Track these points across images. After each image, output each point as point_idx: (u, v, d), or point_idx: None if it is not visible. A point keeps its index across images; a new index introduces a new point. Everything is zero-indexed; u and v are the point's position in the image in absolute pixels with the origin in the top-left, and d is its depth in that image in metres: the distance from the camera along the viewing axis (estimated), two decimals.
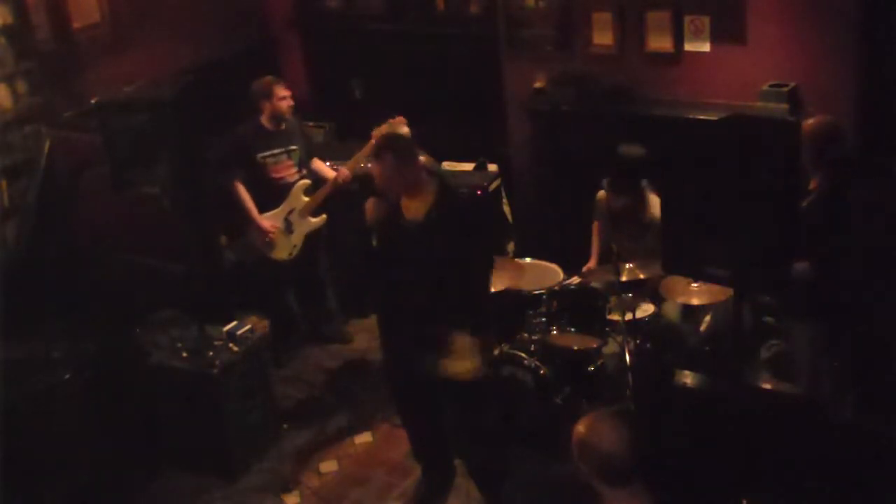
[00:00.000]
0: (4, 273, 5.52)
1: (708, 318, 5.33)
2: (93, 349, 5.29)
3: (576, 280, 5.51)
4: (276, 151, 6.00)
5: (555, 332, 5.24)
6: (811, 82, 5.63)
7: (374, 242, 4.70)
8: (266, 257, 6.11)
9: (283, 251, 6.12)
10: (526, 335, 5.33)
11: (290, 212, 6.09)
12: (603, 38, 6.27)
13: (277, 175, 6.04)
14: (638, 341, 5.13)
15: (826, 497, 3.98)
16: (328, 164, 6.35)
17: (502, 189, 6.78)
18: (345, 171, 6.01)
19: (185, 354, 5.31)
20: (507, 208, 6.83)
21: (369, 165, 4.56)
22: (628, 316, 5.05)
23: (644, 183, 5.43)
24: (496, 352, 5.22)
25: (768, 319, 5.49)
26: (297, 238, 6.14)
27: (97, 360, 5.24)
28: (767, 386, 5.20)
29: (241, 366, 5.33)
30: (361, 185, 5.81)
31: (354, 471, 5.39)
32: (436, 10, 7.20)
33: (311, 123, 7.36)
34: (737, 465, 3.99)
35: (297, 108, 6.20)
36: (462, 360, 4.46)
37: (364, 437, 5.63)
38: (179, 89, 5.08)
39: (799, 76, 5.67)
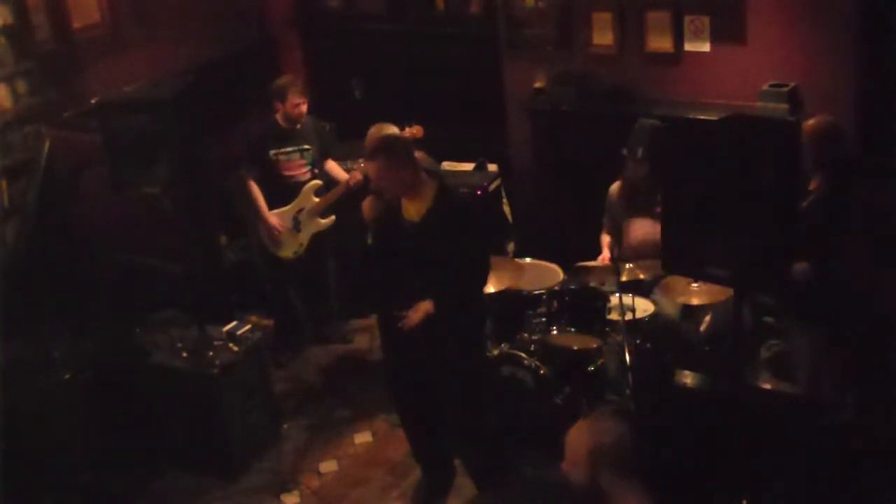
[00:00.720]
0: (4, 273, 5.51)
1: (708, 318, 5.33)
2: (93, 349, 5.29)
3: (589, 263, 5.50)
4: (289, 149, 6.02)
5: (555, 332, 5.24)
6: (811, 82, 5.63)
7: (370, 240, 4.71)
8: (271, 254, 6.12)
9: (289, 249, 6.13)
10: (526, 335, 5.33)
11: (300, 211, 6.10)
12: (603, 38, 6.27)
13: (289, 173, 6.05)
14: (638, 341, 5.13)
15: (826, 497, 3.99)
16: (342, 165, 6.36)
17: (502, 189, 6.78)
18: (357, 175, 6.01)
19: (185, 354, 5.31)
20: (507, 208, 6.83)
21: (363, 165, 4.57)
22: (628, 316, 5.05)
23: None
24: (496, 352, 5.23)
25: (768, 319, 5.49)
26: (304, 237, 6.15)
27: (97, 360, 5.24)
28: (767, 386, 5.19)
29: (241, 366, 5.33)
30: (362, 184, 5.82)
31: (354, 471, 5.39)
32: (436, 10, 7.19)
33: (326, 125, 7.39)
34: (737, 465, 3.99)
35: (311, 110, 6.20)
36: None
37: (364, 437, 5.63)
38: (179, 89, 5.09)
39: (799, 76, 5.67)
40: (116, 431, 5.22)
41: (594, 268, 5.47)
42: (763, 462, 4.03)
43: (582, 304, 5.26)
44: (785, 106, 5.60)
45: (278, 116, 6.01)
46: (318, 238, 6.21)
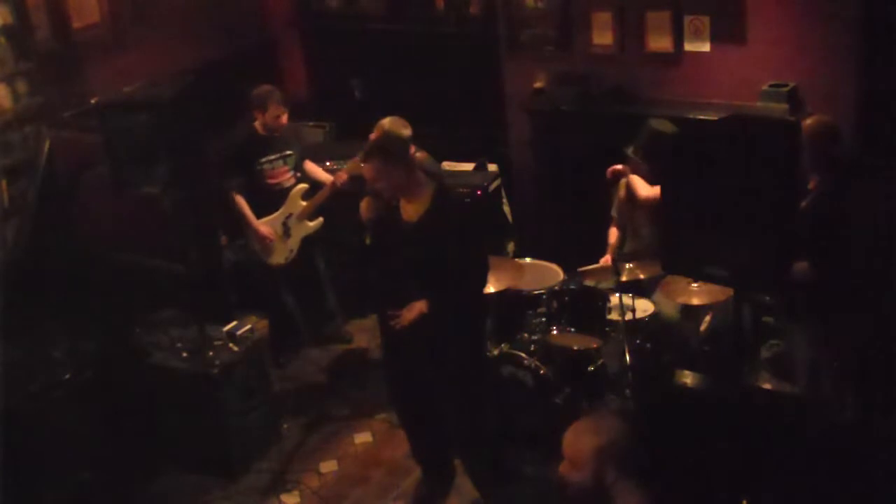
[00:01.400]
0: (4, 273, 5.51)
1: (708, 318, 5.33)
2: (93, 349, 5.29)
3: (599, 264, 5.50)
4: (272, 157, 5.99)
5: (555, 332, 5.24)
6: (811, 82, 5.63)
7: (367, 241, 4.71)
8: (263, 262, 6.11)
9: (280, 256, 6.12)
10: (526, 335, 5.33)
11: (288, 216, 6.08)
12: (603, 38, 6.28)
13: (274, 181, 6.02)
14: (638, 341, 5.13)
15: (826, 497, 3.99)
16: (328, 163, 6.35)
17: (502, 189, 6.78)
18: (342, 175, 6.01)
19: (185, 354, 5.31)
20: (507, 208, 6.83)
21: (362, 166, 4.56)
22: (628, 316, 5.05)
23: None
24: (496, 352, 5.23)
25: (768, 319, 5.49)
26: (294, 242, 6.13)
27: (97, 360, 5.24)
28: (767, 386, 5.20)
29: (241, 366, 5.33)
30: (360, 185, 5.80)
31: (354, 471, 5.39)
32: (436, 10, 7.19)
33: (311, 123, 7.36)
34: (737, 465, 3.99)
35: (293, 111, 6.18)
36: None
37: (364, 437, 5.63)
38: (179, 89, 5.08)
39: (799, 76, 5.67)
40: (116, 431, 5.22)
41: (597, 270, 5.47)
42: (763, 462, 4.03)
43: (582, 304, 5.26)
44: (785, 106, 5.60)
45: (257, 125, 5.95)
46: (308, 239, 6.20)
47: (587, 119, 6.29)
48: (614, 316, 5.19)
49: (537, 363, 5.10)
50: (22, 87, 6.03)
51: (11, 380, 4.87)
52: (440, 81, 7.21)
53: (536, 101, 6.58)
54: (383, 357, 5.03)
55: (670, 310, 5.35)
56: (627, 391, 5.00)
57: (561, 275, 5.64)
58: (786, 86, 5.66)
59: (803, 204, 4.45)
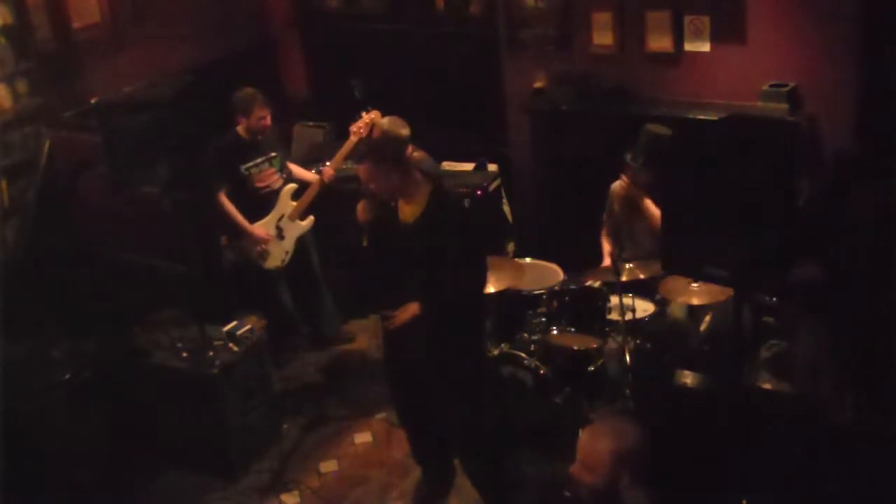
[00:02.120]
0: (4, 273, 5.52)
1: (708, 318, 5.33)
2: (93, 349, 5.29)
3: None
4: (258, 160, 5.93)
5: (555, 332, 5.24)
6: (811, 82, 5.63)
7: (364, 243, 4.70)
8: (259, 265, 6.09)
9: (276, 259, 6.09)
10: (526, 335, 5.33)
11: (280, 218, 6.06)
12: (603, 38, 6.27)
13: (262, 184, 5.98)
14: (638, 341, 5.13)
15: (826, 497, 3.99)
16: (328, 163, 6.34)
17: (502, 189, 6.78)
18: (329, 171, 6.00)
19: (185, 354, 5.31)
20: (507, 208, 6.83)
21: (354, 167, 4.55)
22: (628, 316, 5.05)
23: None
24: (496, 352, 5.23)
25: (768, 319, 5.49)
26: (289, 244, 6.11)
27: (97, 360, 5.24)
28: (767, 386, 5.19)
29: (241, 366, 5.33)
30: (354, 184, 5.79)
31: (354, 471, 5.39)
32: (436, 10, 7.20)
33: (311, 123, 7.36)
34: (737, 465, 3.99)
35: (293, 111, 6.18)
36: None
37: (364, 437, 5.63)
38: (179, 89, 5.08)
39: (799, 76, 5.67)
40: (116, 431, 5.23)
41: (598, 272, 5.47)
42: (763, 462, 4.03)
43: (582, 304, 5.26)
44: (785, 106, 5.60)
45: (240, 129, 5.88)
46: (302, 240, 6.19)
47: (587, 119, 6.29)
48: (614, 316, 5.19)
49: (537, 363, 5.09)
50: (22, 87, 6.04)
51: (11, 380, 4.87)
52: (440, 81, 7.21)
53: (536, 101, 6.58)
54: (383, 357, 5.03)
55: (677, 310, 5.35)
56: (627, 391, 5.00)
57: (561, 275, 5.64)
58: (786, 86, 5.66)
59: (803, 204, 4.45)
